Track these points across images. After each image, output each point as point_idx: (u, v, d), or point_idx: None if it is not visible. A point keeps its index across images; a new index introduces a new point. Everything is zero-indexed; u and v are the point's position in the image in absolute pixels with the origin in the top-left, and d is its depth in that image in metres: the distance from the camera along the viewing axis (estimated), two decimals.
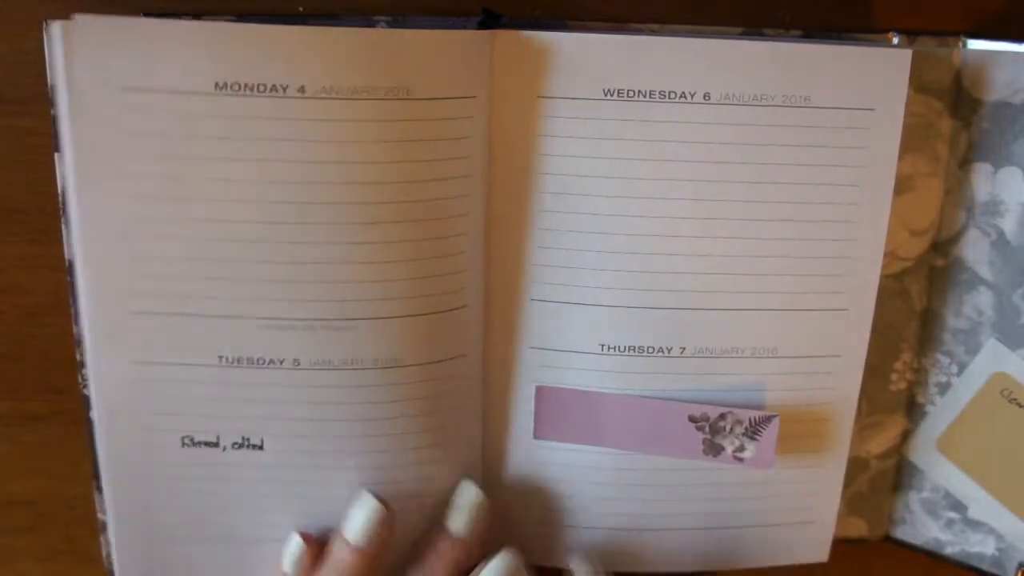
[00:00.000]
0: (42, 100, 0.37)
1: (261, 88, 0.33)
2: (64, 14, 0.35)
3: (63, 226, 0.36)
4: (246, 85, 0.33)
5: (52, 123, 0.35)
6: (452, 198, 0.36)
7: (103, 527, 0.40)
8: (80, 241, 0.35)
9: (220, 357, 0.36)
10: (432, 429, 0.39)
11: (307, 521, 0.39)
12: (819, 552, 0.44)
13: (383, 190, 0.35)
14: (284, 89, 0.33)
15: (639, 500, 0.42)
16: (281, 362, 0.36)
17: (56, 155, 0.35)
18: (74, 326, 0.38)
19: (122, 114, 0.34)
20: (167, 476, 0.38)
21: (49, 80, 0.34)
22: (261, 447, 0.38)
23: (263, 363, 0.36)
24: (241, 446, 0.38)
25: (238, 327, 0.36)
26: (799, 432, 0.41)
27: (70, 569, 0.44)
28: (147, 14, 0.35)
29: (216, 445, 0.38)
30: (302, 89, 0.33)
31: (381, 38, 0.34)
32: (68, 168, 0.34)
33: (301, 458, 0.38)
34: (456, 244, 0.37)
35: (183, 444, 0.38)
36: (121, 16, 0.33)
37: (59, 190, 0.36)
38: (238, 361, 0.36)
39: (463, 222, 0.37)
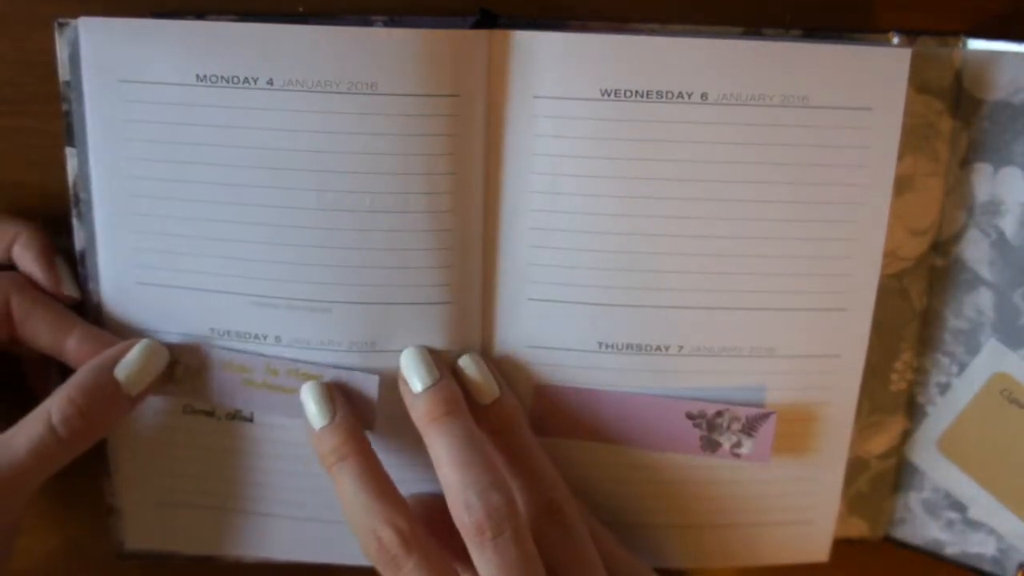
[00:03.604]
0: (42, 100, 0.38)
1: (235, 80, 0.36)
2: (67, 14, 0.36)
3: (74, 217, 0.38)
4: (222, 77, 0.36)
5: (64, 117, 0.37)
6: (430, 193, 0.37)
7: (109, 511, 0.42)
8: (98, 222, 0.38)
9: (212, 329, 0.39)
10: None
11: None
12: (819, 552, 0.44)
13: (351, 180, 0.37)
14: (255, 81, 0.36)
15: (637, 496, 0.42)
16: (264, 337, 0.39)
17: (67, 150, 0.38)
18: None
19: (122, 104, 0.37)
20: (170, 442, 0.41)
21: (61, 77, 0.37)
22: (251, 420, 0.40)
23: (249, 337, 0.39)
24: (233, 417, 0.40)
25: (228, 302, 0.38)
26: (799, 431, 0.41)
27: (70, 569, 0.44)
28: (154, 14, 0.37)
29: (212, 414, 0.40)
30: (270, 81, 0.36)
31: (345, 36, 0.35)
32: (91, 155, 0.37)
33: (286, 432, 0.40)
34: (439, 239, 0.38)
35: (184, 411, 0.40)
36: (119, 17, 0.36)
37: (70, 183, 0.38)
38: (227, 334, 0.39)
39: (446, 218, 0.37)
